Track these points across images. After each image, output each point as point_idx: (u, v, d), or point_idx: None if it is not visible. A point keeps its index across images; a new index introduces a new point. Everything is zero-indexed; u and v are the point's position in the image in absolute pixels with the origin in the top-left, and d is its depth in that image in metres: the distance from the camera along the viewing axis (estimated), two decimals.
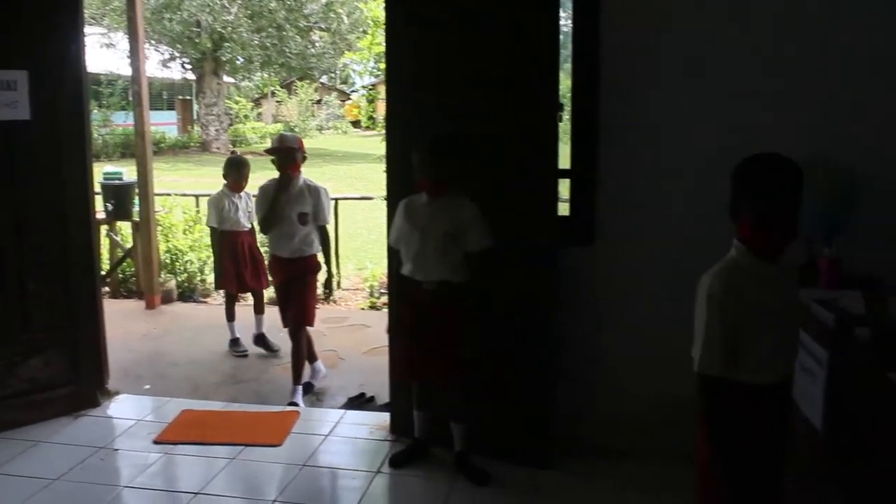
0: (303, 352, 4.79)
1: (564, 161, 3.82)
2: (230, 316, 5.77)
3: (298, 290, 4.74)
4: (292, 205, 4.68)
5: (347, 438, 4.05)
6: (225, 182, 5.60)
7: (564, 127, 3.83)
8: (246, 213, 5.56)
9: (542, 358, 3.68)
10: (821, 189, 3.16)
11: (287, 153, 4.68)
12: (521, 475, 3.68)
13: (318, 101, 35.69)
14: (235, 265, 5.57)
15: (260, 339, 5.75)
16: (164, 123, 28.18)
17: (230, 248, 5.54)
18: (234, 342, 5.72)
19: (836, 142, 3.45)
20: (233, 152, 5.56)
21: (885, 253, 3.43)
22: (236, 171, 5.58)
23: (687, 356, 2.39)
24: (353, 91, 37.59)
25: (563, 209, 3.94)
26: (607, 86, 3.72)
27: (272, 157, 4.70)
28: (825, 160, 3.26)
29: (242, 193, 5.59)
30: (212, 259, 6.16)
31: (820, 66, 3.58)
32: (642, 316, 3.80)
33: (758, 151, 2.30)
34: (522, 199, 3.61)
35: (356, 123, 33.76)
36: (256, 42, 26.53)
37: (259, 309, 5.80)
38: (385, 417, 4.19)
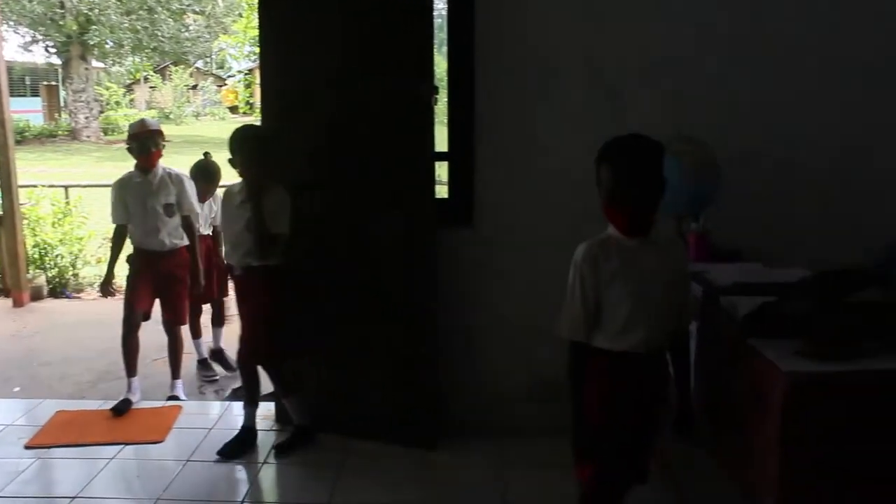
0: (181, 344, 4.66)
1: (444, 144, 3.85)
2: (196, 332, 5.21)
3: (172, 284, 4.56)
4: (156, 196, 4.43)
5: (232, 430, 3.96)
6: None
7: (443, 109, 3.87)
8: (208, 219, 5.12)
9: (424, 340, 3.71)
10: (687, 167, 3.29)
11: (150, 136, 4.42)
12: (409, 457, 3.71)
13: (194, 87, 34.58)
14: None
15: (217, 356, 5.32)
16: (27, 111, 26.61)
17: None
18: (203, 364, 5.20)
19: (702, 122, 3.61)
20: (206, 154, 5.13)
21: (748, 226, 3.63)
22: (209, 180, 5.08)
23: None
24: (229, 76, 36.66)
25: (444, 192, 3.97)
26: (483, 68, 3.77)
27: (129, 146, 4.45)
28: (690, 139, 3.40)
29: (209, 200, 5.14)
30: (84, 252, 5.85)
31: (686, 47, 3.74)
32: (520, 295, 3.89)
33: (628, 132, 2.37)
34: (401, 182, 3.62)
35: (234, 109, 32.96)
36: (126, 25, 25.41)
37: (218, 321, 5.40)
38: (270, 407, 4.14)
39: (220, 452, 3.74)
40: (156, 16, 25.83)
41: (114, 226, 4.55)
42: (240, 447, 3.79)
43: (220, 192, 4.93)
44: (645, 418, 2.49)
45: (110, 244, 4.66)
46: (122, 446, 3.83)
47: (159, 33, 26.49)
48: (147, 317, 4.56)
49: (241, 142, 3.61)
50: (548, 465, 3.50)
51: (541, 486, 3.41)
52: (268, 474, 3.64)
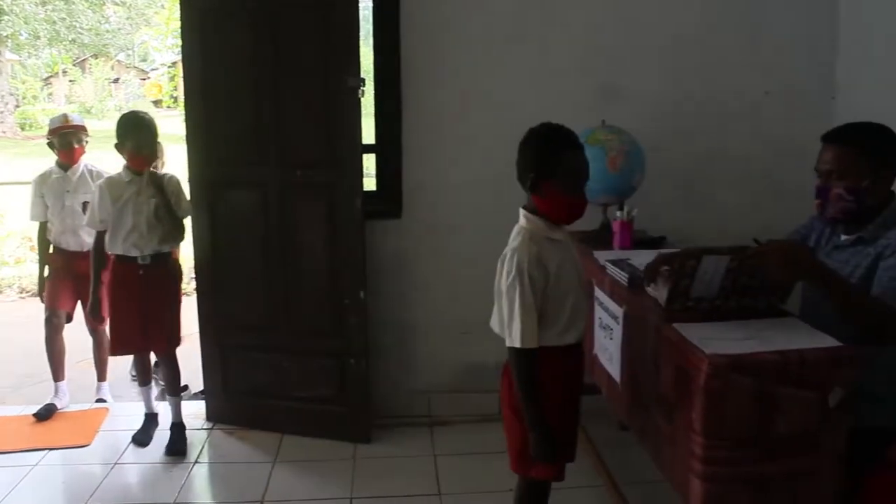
0: (106, 347, 4.52)
1: (371, 137, 3.84)
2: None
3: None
4: (74, 194, 4.25)
5: (162, 430, 3.89)
6: None
7: (370, 102, 3.85)
8: None
9: (354, 333, 3.70)
10: (612, 155, 3.35)
11: (72, 131, 4.24)
12: (343, 451, 3.71)
13: (116, 80, 33.61)
14: None
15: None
16: None
17: None
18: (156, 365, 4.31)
19: (625, 112, 3.68)
20: None
21: (670, 213, 3.73)
22: None
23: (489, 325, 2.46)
24: (153, 69, 35.75)
25: (372, 185, 3.96)
26: (409, 60, 3.76)
27: (49, 140, 4.27)
28: (614, 128, 3.47)
29: None
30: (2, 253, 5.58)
31: (599, 41, 3.80)
32: (449, 287, 3.93)
33: (548, 122, 2.39)
34: (329, 175, 3.59)
35: (158, 103, 32.15)
36: (42, 16, 24.55)
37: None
38: (200, 406, 4.08)
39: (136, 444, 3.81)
40: (73, 6, 24.99)
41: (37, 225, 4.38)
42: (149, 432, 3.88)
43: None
44: (578, 400, 2.55)
45: (38, 245, 4.48)
46: (46, 452, 3.72)
47: (78, 25, 25.63)
48: (70, 318, 4.42)
49: (136, 127, 3.63)
50: (479, 453, 3.58)
51: (473, 473, 3.45)
52: (199, 474, 3.59)
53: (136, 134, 3.65)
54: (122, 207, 3.67)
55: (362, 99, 3.51)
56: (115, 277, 3.78)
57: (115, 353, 3.97)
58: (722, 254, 2.28)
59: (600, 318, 2.94)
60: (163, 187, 3.66)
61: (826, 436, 2.08)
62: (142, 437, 3.83)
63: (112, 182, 3.72)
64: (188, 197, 3.81)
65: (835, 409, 2.06)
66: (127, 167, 3.73)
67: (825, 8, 3.87)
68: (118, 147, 3.69)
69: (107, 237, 3.72)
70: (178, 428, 3.86)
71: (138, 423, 3.92)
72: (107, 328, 4.54)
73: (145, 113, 3.85)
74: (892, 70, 3.48)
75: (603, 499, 3.18)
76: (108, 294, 3.86)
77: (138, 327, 3.78)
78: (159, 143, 3.92)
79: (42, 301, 4.36)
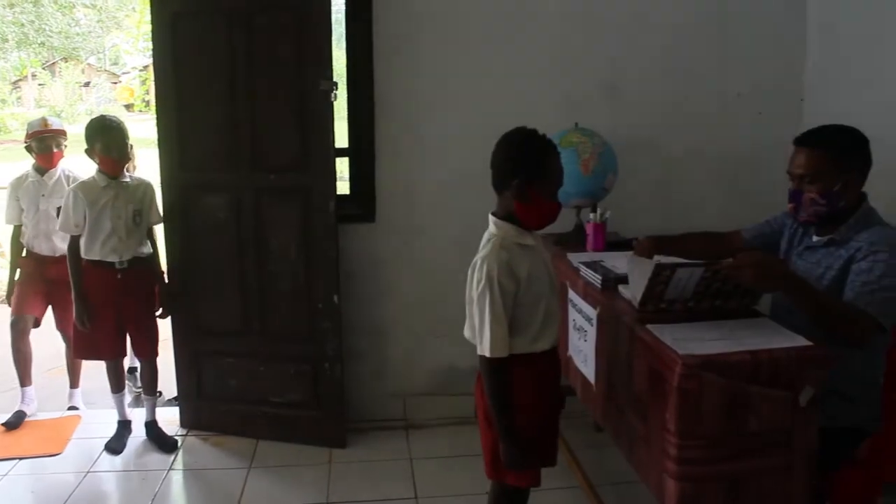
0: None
1: (345, 140, 3.84)
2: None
3: (64, 290, 4.33)
4: (49, 199, 4.19)
5: (135, 437, 3.86)
6: None
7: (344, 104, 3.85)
8: None
9: (328, 337, 3.68)
10: (585, 157, 3.37)
11: (52, 135, 4.18)
12: (318, 456, 3.69)
13: (87, 84, 33.31)
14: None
15: (134, 372, 4.73)
16: None
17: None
18: (132, 372, 4.47)
19: (598, 115, 3.70)
20: None
21: (643, 215, 3.75)
22: None
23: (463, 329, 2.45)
24: (124, 73, 35.41)
25: (345, 188, 3.96)
26: (382, 63, 3.76)
27: (27, 144, 4.20)
28: (587, 131, 3.48)
29: None
30: None
31: (572, 44, 3.83)
32: (424, 290, 3.93)
33: (523, 127, 2.36)
34: (302, 178, 3.58)
35: (129, 107, 31.84)
36: (10, 18, 24.24)
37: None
38: (174, 412, 4.04)
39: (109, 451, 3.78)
40: (42, 9, 24.71)
41: (11, 229, 4.31)
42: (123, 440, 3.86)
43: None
44: (557, 406, 2.55)
45: (10, 248, 4.40)
46: (16, 461, 3.67)
47: (47, 27, 25.34)
48: (38, 323, 4.35)
49: (104, 130, 3.63)
50: (455, 455, 3.60)
51: (449, 476, 3.45)
52: (174, 481, 3.55)
53: (104, 137, 3.63)
54: (99, 212, 3.64)
55: (335, 102, 3.50)
56: (91, 284, 3.73)
57: (81, 356, 3.95)
58: (697, 266, 2.31)
59: (574, 320, 2.95)
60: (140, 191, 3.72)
61: (797, 434, 2.10)
62: (115, 445, 3.79)
63: (87, 186, 3.69)
64: (160, 202, 3.81)
65: (806, 408, 2.08)
66: (100, 171, 3.69)
67: (794, 10, 3.91)
68: (88, 152, 3.68)
69: (82, 243, 3.68)
70: (155, 424, 3.87)
71: (111, 430, 3.88)
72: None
73: (114, 116, 3.82)
74: (858, 72, 3.53)
75: (579, 500, 3.19)
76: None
77: (113, 334, 3.75)
78: (131, 145, 3.89)
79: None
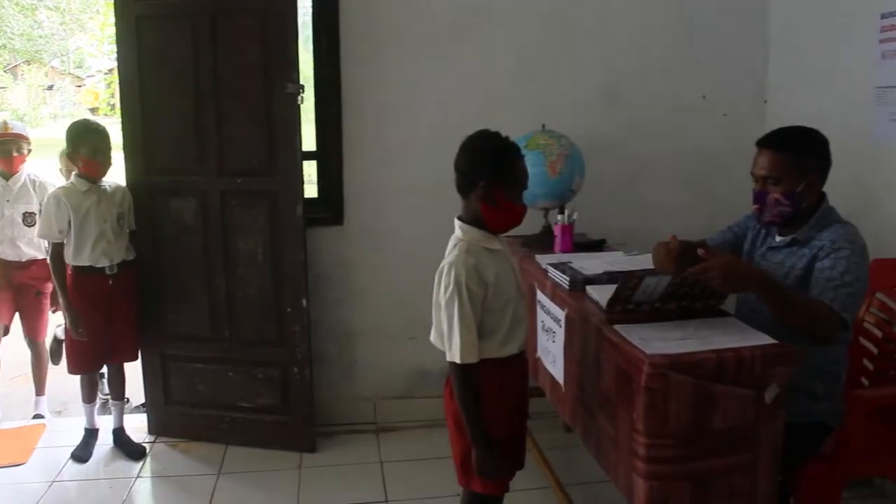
0: (45, 359, 4.41)
1: (312, 143, 3.82)
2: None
3: (31, 296, 4.29)
4: (14, 204, 4.13)
5: (102, 445, 3.80)
6: None
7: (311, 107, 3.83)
8: None
9: (297, 341, 3.66)
10: (551, 159, 3.39)
11: (12, 139, 4.12)
12: (288, 461, 3.67)
13: (50, 87, 32.85)
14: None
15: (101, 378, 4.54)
16: None
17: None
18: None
19: (564, 117, 3.72)
20: None
21: (610, 217, 3.78)
22: None
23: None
24: (89, 76, 34.97)
25: (313, 191, 3.94)
26: (349, 65, 3.75)
27: None
28: (553, 133, 3.50)
29: None
30: None
31: (539, 46, 3.85)
32: (392, 293, 3.93)
33: (486, 130, 2.35)
34: (270, 182, 3.56)
35: (94, 110, 31.46)
36: None
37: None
38: (142, 419, 4.00)
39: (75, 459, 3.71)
40: (3, 10, 24.34)
41: None
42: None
43: None
44: (524, 410, 2.56)
45: None
46: None
47: (8, 30, 24.99)
48: (6, 331, 4.28)
49: (89, 133, 3.56)
50: (426, 458, 3.61)
51: (420, 479, 3.45)
52: (142, 489, 3.51)
53: (91, 140, 3.55)
54: (84, 217, 3.56)
55: (302, 105, 3.48)
56: (80, 291, 3.62)
57: (78, 370, 3.75)
58: (665, 274, 2.34)
59: (543, 322, 2.96)
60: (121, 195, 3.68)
61: (763, 431, 2.13)
62: (81, 453, 3.73)
63: (69, 192, 3.59)
64: None
65: (771, 405, 2.11)
66: (79, 176, 3.62)
67: (756, 14, 3.97)
68: (70, 156, 3.61)
69: (68, 250, 3.59)
70: (123, 431, 3.82)
71: (77, 438, 3.82)
72: (47, 341, 4.44)
73: (93, 120, 3.76)
74: (818, 73, 3.59)
75: (548, 500, 3.20)
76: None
77: (104, 343, 3.67)
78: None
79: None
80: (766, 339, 2.18)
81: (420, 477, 3.47)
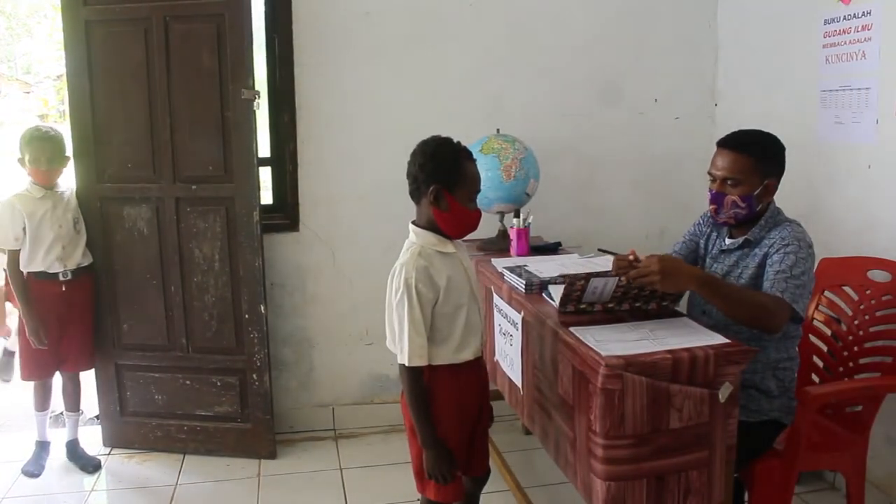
0: None
1: (267, 149, 3.80)
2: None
3: None
4: None
5: (54, 459, 3.72)
6: None
7: (266, 113, 3.81)
8: None
9: (254, 348, 3.64)
10: (506, 163, 3.41)
11: None
12: (247, 469, 3.64)
13: None
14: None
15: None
16: None
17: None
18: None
19: (519, 121, 3.75)
20: None
21: (565, 220, 3.82)
22: None
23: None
24: (37, 82, 34.29)
25: (268, 197, 3.92)
26: (303, 71, 3.74)
27: None
28: (508, 137, 3.52)
29: None
30: None
31: (492, 52, 3.88)
32: (348, 298, 3.92)
33: (437, 136, 2.36)
34: (225, 188, 3.53)
35: (44, 117, 30.84)
36: None
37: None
38: (95, 431, 3.92)
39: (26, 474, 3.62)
40: None
41: None
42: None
43: None
44: (485, 416, 2.56)
45: None
46: None
47: None
48: None
49: (36, 140, 3.47)
50: (386, 464, 3.62)
51: (380, 484, 3.45)
52: (98, 502, 3.44)
53: (32, 148, 3.47)
54: (38, 223, 3.48)
55: (257, 111, 3.46)
56: (34, 297, 3.54)
57: (32, 377, 3.67)
58: (610, 277, 2.39)
59: (500, 325, 2.98)
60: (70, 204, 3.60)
61: (718, 429, 2.17)
62: (33, 468, 3.63)
63: (23, 198, 3.51)
64: None
65: (725, 404, 2.15)
66: (33, 182, 3.54)
67: (705, 18, 4.04)
68: (20, 162, 3.53)
69: (23, 256, 3.51)
70: (77, 444, 3.73)
71: (27, 453, 3.72)
72: None
73: (49, 127, 3.66)
74: (767, 77, 3.66)
75: (509, 503, 3.22)
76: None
77: (55, 349, 3.60)
78: (68, 156, 3.69)
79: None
80: (720, 339, 2.22)
81: (379, 483, 3.46)
